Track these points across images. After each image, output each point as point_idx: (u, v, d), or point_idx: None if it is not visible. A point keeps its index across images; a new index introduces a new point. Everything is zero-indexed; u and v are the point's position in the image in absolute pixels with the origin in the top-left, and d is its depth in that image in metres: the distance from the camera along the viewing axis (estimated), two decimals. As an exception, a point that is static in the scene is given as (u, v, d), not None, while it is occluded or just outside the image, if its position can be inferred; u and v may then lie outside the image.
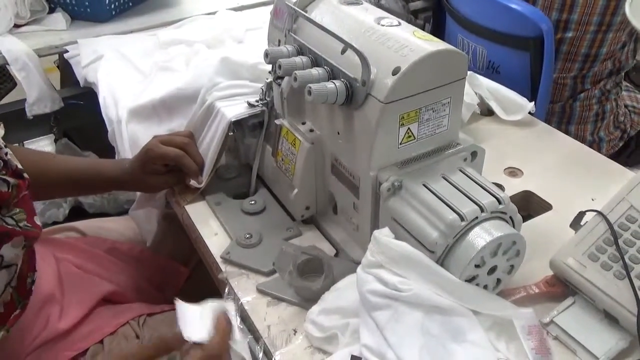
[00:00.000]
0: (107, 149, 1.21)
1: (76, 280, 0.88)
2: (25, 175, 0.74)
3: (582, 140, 1.47)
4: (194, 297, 0.98)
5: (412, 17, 2.28)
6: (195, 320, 0.63)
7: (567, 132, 1.46)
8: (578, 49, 1.39)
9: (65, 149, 1.55)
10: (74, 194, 0.95)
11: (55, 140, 1.65)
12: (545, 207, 0.87)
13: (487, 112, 1.09)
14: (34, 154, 0.98)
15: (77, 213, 1.76)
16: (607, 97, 1.47)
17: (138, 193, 1.04)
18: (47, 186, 0.92)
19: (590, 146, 1.42)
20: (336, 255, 0.79)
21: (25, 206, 0.72)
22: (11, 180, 0.70)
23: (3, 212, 0.68)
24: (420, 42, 0.64)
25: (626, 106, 1.55)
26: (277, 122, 0.83)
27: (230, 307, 0.67)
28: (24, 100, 1.37)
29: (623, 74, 1.51)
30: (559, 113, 1.50)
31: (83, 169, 0.95)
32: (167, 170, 0.91)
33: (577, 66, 1.42)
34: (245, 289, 0.74)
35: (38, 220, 0.75)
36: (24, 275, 0.72)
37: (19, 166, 0.74)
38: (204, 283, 0.91)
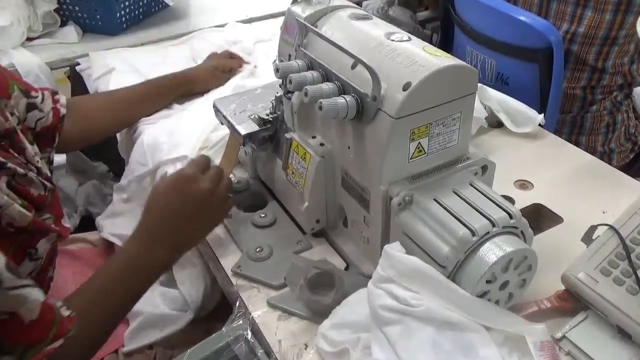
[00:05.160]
0: (117, 160, 1.22)
1: None
2: (53, 183, 0.77)
3: (593, 151, 1.47)
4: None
5: (420, 27, 2.28)
6: None
7: (577, 143, 1.46)
8: (585, 60, 1.39)
9: (75, 159, 1.56)
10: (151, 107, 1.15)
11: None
12: (556, 220, 0.87)
13: (496, 124, 1.09)
14: (116, 93, 1.14)
15: (87, 223, 1.77)
16: (618, 108, 1.47)
17: None
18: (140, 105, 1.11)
19: (601, 157, 1.42)
20: (346, 268, 0.79)
21: (54, 211, 0.75)
22: (48, 184, 0.72)
23: (36, 215, 0.70)
24: (430, 58, 0.64)
25: (637, 118, 1.55)
26: (287, 135, 0.83)
27: None
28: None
29: (634, 88, 1.50)
30: (570, 124, 1.49)
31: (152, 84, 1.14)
32: None
33: (586, 76, 1.42)
34: (256, 302, 0.74)
35: (66, 223, 0.77)
36: (45, 269, 0.75)
37: (49, 174, 0.78)
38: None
